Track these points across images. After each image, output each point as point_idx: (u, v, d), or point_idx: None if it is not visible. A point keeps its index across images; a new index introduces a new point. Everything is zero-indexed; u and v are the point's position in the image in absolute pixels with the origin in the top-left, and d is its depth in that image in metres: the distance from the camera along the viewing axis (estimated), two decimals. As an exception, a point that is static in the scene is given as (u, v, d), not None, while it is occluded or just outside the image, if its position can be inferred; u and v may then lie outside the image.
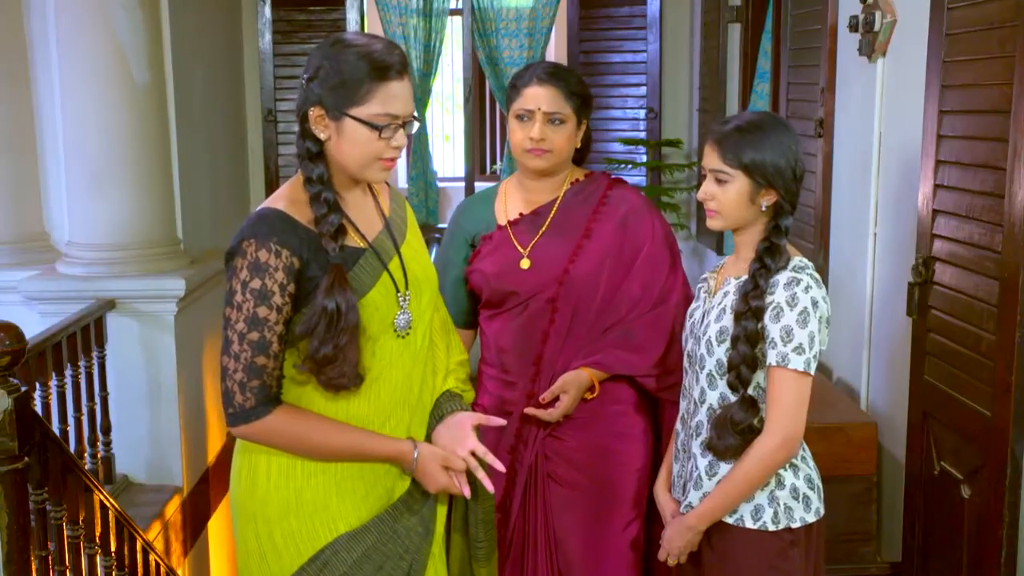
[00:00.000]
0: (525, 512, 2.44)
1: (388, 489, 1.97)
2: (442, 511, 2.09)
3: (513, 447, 2.45)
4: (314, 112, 1.84)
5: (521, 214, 2.47)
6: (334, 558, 1.92)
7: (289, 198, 1.88)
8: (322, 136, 1.86)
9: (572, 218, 2.43)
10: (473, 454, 1.98)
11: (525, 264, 2.41)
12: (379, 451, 1.92)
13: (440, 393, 2.08)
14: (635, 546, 2.43)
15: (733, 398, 2.03)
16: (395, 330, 1.93)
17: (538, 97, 2.36)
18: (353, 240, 1.89)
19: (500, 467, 1.99)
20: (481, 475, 1.97)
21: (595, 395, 2.39)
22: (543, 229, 2.44)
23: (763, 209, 2.03)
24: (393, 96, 1.83)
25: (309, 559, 1.92)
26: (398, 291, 1.93)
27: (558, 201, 2.45)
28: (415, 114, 1.91)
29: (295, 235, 1.82)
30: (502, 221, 2.48)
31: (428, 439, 2.03)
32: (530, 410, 2.39)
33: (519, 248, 2.43)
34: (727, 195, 2.04)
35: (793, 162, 2.01)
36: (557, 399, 2.38)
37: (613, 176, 2.53)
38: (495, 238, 2.47)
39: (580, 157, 2.52)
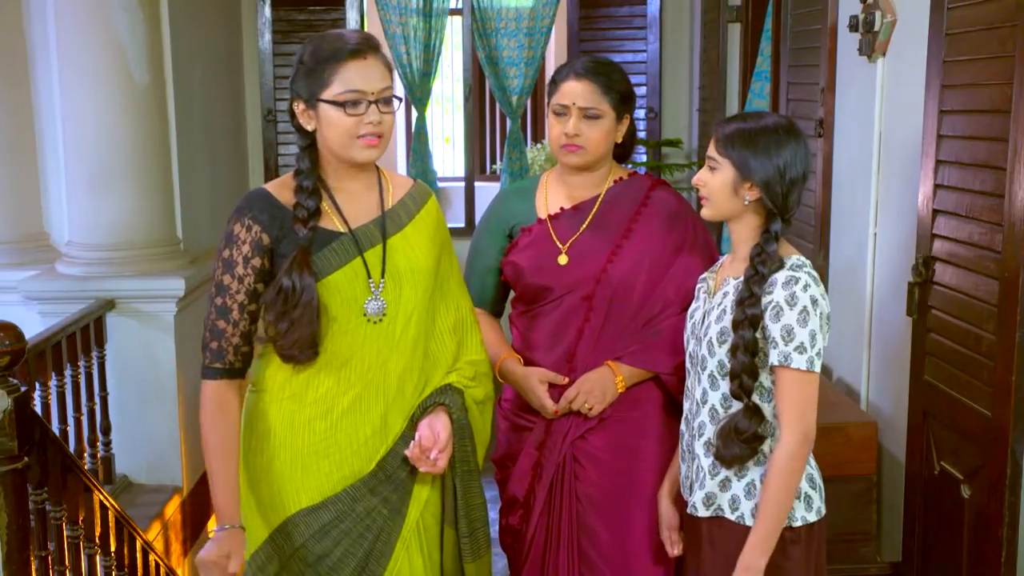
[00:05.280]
0: (549, 510, 2.41)
1: (356, 471, 2.04)
2: (419, 498, 2.11)
3: (542, 443, 2.41)
4: (297, 107, 1.99)
5: (562, 208, 2.44)
6: (295, 531, 2.03)
7: (281, 182, 2.04)
8: (309, 127, 1.99)
9: (613, 217, 2.41)
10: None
11: (563, 260, 2.39)
12: (216, 499, 2.00)
13: (439, 387, 2.11)
14: (662, 546, 2.36)
15: (735, 398, 2.03)
16: (365, 314, 2.01)
17: (573, 92, 2.34)
18: (332, 224, 2.01)
19: (437, 471, 2.07)
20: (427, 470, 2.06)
21: (620, 389, 2.35)
22: (584, 226, 2.41)
23: (746, 203, 2.03)
24: (353, 74, 1.93)
25: (276, 528, 2.03)
26: (370, 277, 2.00)
27: (600, 198, 2.43)
28: (394, 93, 2.00)
29: (270, 213, 1.97)
30: (542, 214, 2.45)
31: (411, 429, 2.08)
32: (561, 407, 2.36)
33: (558, 243, 2.40)
34: (715, 182, 2.05)
35: (783, 167, 1.99)
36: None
37: (656, 177, 2.50)
38: (534, 231, 2.44)
39: (623, 154, 2.49)
